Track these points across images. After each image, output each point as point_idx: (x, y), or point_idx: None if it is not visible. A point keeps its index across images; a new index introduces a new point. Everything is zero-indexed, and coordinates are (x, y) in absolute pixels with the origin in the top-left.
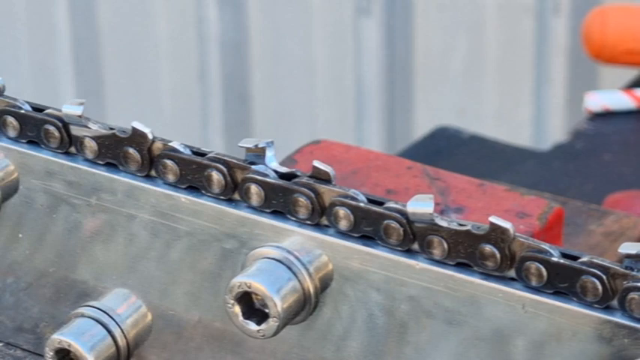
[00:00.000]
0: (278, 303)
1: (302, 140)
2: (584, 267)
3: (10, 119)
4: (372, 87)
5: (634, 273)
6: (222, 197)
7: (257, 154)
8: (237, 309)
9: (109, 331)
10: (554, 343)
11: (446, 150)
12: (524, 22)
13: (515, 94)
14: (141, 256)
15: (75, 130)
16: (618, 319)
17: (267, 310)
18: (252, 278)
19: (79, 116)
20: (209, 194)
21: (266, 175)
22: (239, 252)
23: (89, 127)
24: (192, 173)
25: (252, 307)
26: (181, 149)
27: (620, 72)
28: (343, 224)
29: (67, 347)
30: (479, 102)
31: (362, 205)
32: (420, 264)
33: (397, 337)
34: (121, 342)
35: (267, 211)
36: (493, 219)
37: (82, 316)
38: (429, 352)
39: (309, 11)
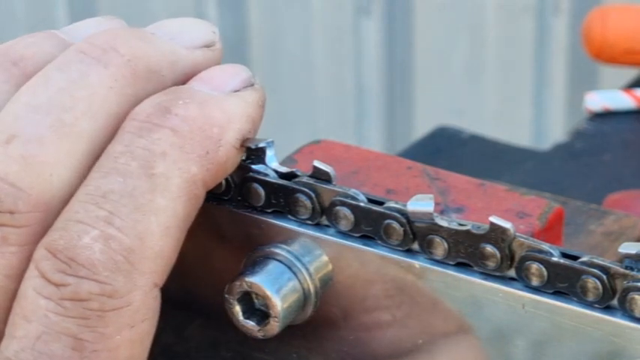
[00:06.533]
0: (278, 303)
1: (302, 140)
2: (584, 267)
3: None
4: (372, 87)
5: (634, 273)
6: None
7: (257, 156)
8: (238, 308)
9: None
10: (554, 342)
11: (446, 150)
12: (524, 22)
13: (515, 94)
14: None
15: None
16: (618, 319)
17: (267, 310)
18: (252, 278)
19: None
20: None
21: (266, 175)
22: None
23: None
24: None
25: (252, 306)
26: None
27: (620, 72)
28: (343, 224)
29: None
30: (479, 102)
31: (362, 204)
32: (420, 264)
33: None
34: None
35: (268, 210)
36: (493, 219)
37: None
38: None
39: (309, 11)
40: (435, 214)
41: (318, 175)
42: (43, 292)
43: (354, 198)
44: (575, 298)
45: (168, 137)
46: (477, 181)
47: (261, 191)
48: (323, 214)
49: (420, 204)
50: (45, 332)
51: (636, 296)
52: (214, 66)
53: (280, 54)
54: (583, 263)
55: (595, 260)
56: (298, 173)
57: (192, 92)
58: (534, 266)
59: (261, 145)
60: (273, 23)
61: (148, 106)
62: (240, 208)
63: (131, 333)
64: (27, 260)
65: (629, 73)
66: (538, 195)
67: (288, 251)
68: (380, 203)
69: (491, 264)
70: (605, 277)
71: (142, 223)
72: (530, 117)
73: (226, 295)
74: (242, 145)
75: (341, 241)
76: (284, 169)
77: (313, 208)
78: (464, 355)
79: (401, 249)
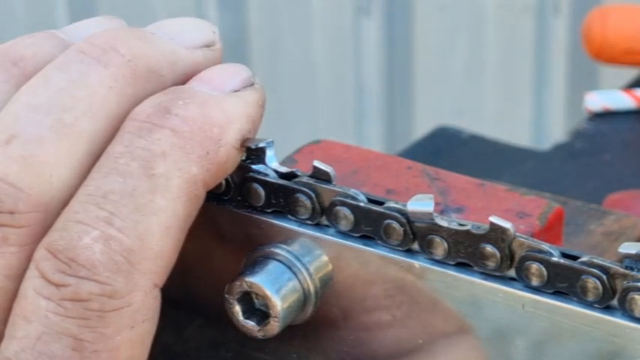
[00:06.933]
0: (278, 303)
1: (302, 140)
2: (584, 267)
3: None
4: (372, 87)
5: (634, 273)
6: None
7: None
8: (238, 308)
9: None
10: (554, 342)
11: (446, 150)
12: (524, 22)
13: (515, 94)
14: None
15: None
16: (618, 319)
17: (267, 310)
18: (252, 278)
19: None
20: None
21: (266, 175)
22: None
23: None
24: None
25: (252, 306)
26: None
27: (620, 72)
28: (343, 224)
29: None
30: (479, 102)
31: (362, 204)
32: (420, 264)
33: None
34: None
35: (268, 210)
36: (493, 219)
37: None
38: None
39: (309, 11)
40: (435, 214)
41: (318, 175)
42: (44, 292)
43: (354, 198)
44: (575, 298)
45: (168, 137)
46: (477, 181)
47: (261, 191)
48: (323, 214)
49: (420, 204)
50: (45, 332)
51: (636, 296)
52: (214, 66)
53: (280, 54)
54: (583, 263)
55: (595, 260)
56: (298, 173)
57: (193, 92)
58: (534, 266)
59: (261, 145)
60: (273, 23)
61: (148, 107)
62: (240, 208)
63: (131, 333)
64: (27, 260)
65: (629, 73)
66: (538, 195)
67: (288, 251)
68: (380, 203)
69: (491, 264)
70: (605, 277)
71: (143, 224)
72: (530, 117)
73: (226, 295)
74: (242, 145)
75: (341, 241)
76: (284, 169)
77: (313, 208)
78: (464, 355)
79: (401, 249)
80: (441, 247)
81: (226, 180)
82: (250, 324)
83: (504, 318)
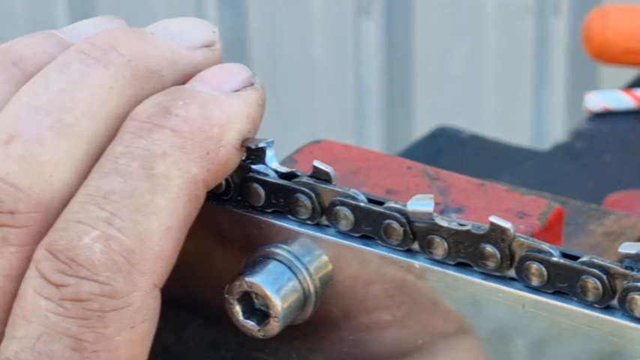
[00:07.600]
0: (278, 303)
1: (302, 140)
2: (584, 267)
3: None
4: (372, 87)
5: (634, 273)
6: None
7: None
8: (238, 308)
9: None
10: (554, 342)
11: (446, 150)
12: (524, 22)
13: (515, 94)
14: None
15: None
16: (618, 319)
17: (267, 310)
18: (252, 278)
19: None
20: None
21: (266, 175)
22: None
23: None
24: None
25: (252, 306)
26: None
27: (620, 72)
28: (343, 224)
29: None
30: (479, 102)
31: (362, 204)
32: (420, 264)
33: None
34: None
35: (268, 210)
36: (493, 219)
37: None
38: None
39: (309, 11)
40: (435, 214)
41: (318, 175)
42: (43, 292)
43: (354, 198)
44: (575, 298)
45: (168, 138)
46: (477, 181)
47: (261, 191)
48: (323, 214)
49: (420, 204)
50: (45, 333)
51: (636, 296)
52: (214, 66)
53: (280, 54)
54: (583, 263)
55: (595, 260)
56: (298, 173)
57: (193, 92)
58: (534, 266)
59: (261, 145)
60: (273, 23)
61: (148, 107)
62: (240, 208)
63: (131, 333)
64: (27, 260)
65: (629, 73)
66: (538, 195)
67: (288, 251)
68: (380, 203)
69: (491, 264)
70: (605, 277)
71: (143, 224)
72: (530, 117)
73: (226, 295)
74: (242, 145)
75: (341, 241)
76: (284, 169)
77: (313, 208)
78: (464, 355)
79: (401, 249)
80: (441, 247)
81: (226, 180)
82: (250, 324)
83: (504, 318)
